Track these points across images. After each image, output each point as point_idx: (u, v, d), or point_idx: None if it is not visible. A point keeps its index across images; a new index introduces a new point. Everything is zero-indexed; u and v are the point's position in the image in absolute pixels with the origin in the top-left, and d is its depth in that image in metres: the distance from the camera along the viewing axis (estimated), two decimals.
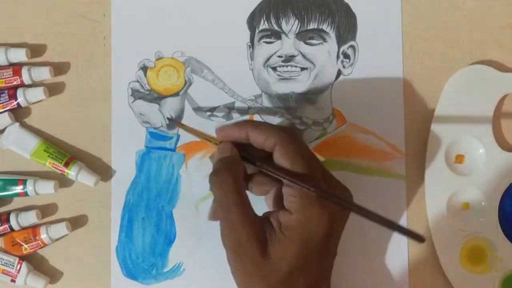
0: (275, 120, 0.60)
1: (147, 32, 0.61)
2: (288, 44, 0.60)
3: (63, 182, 0.60)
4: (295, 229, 0.47)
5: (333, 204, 0.48)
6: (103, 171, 0.60)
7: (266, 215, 0.49)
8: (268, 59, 0.60)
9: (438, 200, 0.59)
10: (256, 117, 0.60)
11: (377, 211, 0.59)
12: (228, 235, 0.48)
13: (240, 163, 0.50)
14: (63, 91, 0.61)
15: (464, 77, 0.59)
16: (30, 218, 0.59)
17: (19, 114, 0.60)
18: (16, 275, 0.58)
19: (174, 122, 0.56)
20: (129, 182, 0.60)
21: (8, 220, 0.58)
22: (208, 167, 0.59)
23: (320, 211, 0.47)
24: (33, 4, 0.61)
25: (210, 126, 0.60)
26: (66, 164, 0.58)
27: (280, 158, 0.48)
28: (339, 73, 0.60)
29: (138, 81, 0.61)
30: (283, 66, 0.60)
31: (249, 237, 0.47)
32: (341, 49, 0.60)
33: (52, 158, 0.59)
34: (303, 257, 0.47)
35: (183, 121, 0.60)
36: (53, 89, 0.61)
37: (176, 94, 0.61)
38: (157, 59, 0.61)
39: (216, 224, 0.59)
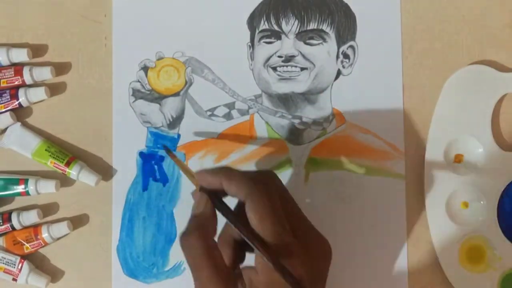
0: (275, 120, 0.61)
1: (148, 32, 0.61)
2: (288, 44, 0.60)
3: (64, 181, 0.60)
4: None
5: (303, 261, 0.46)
6: (104, 171, 0.60)
7: (241, 271, 0.48)
8: (268, 59, 0.61)
9: (437, 199, 0.59)
10: (257, 117, 0.61)
11: (377, 211, 0.60)
12: None
13: (212, 221, 0.48)
14: (65, 91, 0.61)
15: (463, 77, 0.60)
16: (31, 217, 0.59)
17: (20, 113, 0.61)
18: (18, 274, 0.59)
19: (168, 152, 0.54)
20: (130, 182, 0.60)
21: (9, 219, 0.59)
22: (208, 166, 0.60)
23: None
24: (34, 4, 0.62)
25: (210, 126, 0.61)
26: (68, 164, 0.59)
27: (250, 213, 0.46)
28: (338, 73, 0.61)
29: (139, 81, 0.61)
30: (283, 66, 0.60)
31: None
32: (341, 49, 0.61)
33: (54, 157, 0.59)
34: None
35: (184, 121, 0.61)
36: (54, 89, 0.61)
37: (176, 94, 0.61)
38: (158, 59, 0.61)
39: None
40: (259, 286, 0.46)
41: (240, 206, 0.48)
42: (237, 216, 0.47)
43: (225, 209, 0.48)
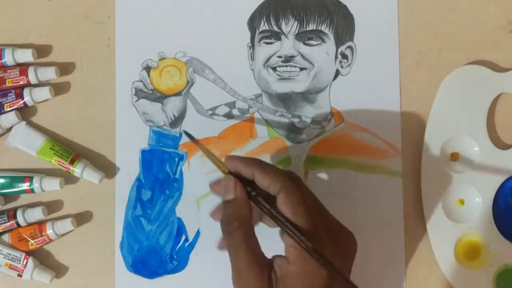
0: (274, 119, 0.62)
1: (150, 33, 0.62)
2: (287, 45, 0.61)
3: (68, 179, 0.61)
4: (292, 280, 0.46)
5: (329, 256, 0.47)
6: (107, 169, 0.61)
7: (272, 260, 0.48)
8: (268, 59, 0.61)
9: (434, 197, 0.60)
10: (257, 116, 0.62)
11: (374, 208, 0.61)
12: (237, 281, 0.48)
13: (248, 206, 0.49)
14: (69, 91, 0.62)
15: (459, 77, 0.60)
16: (36, 214, 0.60)
17: (25, 113, 0.62)
18: (23, 270, 0.60)
19: (192, 139, 0.55)
20: (133, 179, 0.61)
21: (15, 216, 0.60)
22: (209, 165, 0.61)
23: (318, 265, 0.46)
24: (39, 6, 0.63)
25: (211, 125, 0.62)
26: (72, 162, 0.60)
27: (283, 206, 0.47)
28: (337, 73, 0.62)
29: (141, 81, 0.62)
30: (282, 66, 0.61)
31: (256, 284, 0.47)
32: (339, 50, 0.62)
33: (58, 155, 0.60)
34: None
35: (185, 120, 0.62)
36: (58, 89, 0.62)
37: (178, 94, 0.62)
38: (160, 60, 0.62)
39: (218, 221, 0.61)
40: (290, 276, 0.46)
41: (267, 198, 0.49)
42: (272, 204, 0.48)
43: (261, 199, 0.49)
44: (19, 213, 0.60)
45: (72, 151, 0.61)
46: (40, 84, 0.61)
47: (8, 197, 0.62)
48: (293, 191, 0.47)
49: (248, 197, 0.49)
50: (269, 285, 0.47)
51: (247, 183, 0.50)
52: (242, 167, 0.50)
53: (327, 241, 0.48)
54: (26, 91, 0.60)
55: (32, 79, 0.60)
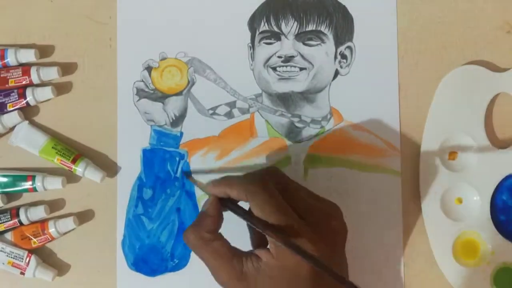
0: (274, 118, 0.62)
1: (151, 33, 0.63)
2: (287, 45, 0.62)
3: (70, 178, 0.62)
4: (276, 271, 0.49)
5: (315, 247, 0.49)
6: (109, 168, 0.62)
7: (253, 252, 0.51)
8: (268, 59, 0.62)
9: (432, 196, 0.60)
10: (257, 115, 0.62)
11: (373, 207, 0.61)
12: (215, 277, 0.51)
13: (209, 217, 0.52)
14: (71, 90, 0.63)
15: (458, 77, 0.61)
16: (38, 212, 0.60)
17: (28, 112, 0.62)
18: (25, 268, 0.60)
19: (187, 176, 0.61)
20: (134, 178, 0.62)
21: (17, 215, 0.60)
22: (210, 164, 0.61)
23: (299, 258, 0.48)
24: (41, 6, 0.63)
25: (212, 124, 0.62)
26: (74, 161, 0.60)
27: (254, 210, 0.50)
28: (336, 73, 0.62)
29: (142, 81, 0.62)
30: (282, 66, 0.62)
31: (227, 272, 0.50)
32: (339, 50, 0.62)
33: (60, 155, 0.60)
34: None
35: (186, 120, 0.62)
36: (60, 89, 0.62)
37: (179, 93, 0.62)
38: (161, 60, 0.62)
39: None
40: (274, 268, 0.49)
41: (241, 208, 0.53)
42: (248, 213, 0.52)
43: (236, 209, 0.52)
44: (21, 212, 0.60)
45: (74, 150, 0.61)
46: (42, 84, 0.61)
47: (11, 196, 0.62)
48: (257, 196, 0.50)
49: (215, 211, 0.52)
50: (242, 270, 0.50)
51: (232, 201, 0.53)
52: (214, 189, 0.53)
53: (305, 232, 0.49)
54: (28, 91, 0.61)
55: (35, 79, 0.60)
